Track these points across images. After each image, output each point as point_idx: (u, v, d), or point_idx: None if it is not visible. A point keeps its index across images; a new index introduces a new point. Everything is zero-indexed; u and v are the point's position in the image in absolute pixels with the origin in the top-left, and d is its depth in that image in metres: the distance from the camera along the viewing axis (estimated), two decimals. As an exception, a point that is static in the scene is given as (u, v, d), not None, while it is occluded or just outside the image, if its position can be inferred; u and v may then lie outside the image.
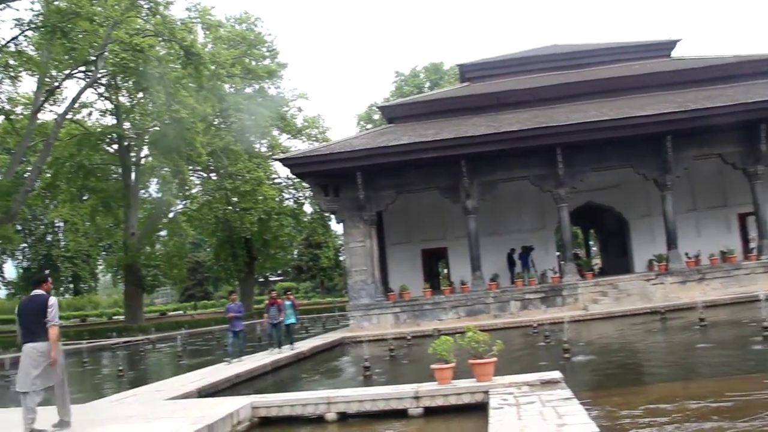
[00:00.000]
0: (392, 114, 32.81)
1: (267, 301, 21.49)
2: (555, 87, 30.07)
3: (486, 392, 9.67)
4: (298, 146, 56.23)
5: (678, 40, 36.03)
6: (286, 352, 19.79)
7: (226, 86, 53.06)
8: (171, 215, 57.15)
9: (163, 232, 59.10)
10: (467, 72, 36.17)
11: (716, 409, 8.58)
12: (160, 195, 54.51)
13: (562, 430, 6.98)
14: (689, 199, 30.72)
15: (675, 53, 35.59)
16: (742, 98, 26.52)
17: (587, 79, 30.92)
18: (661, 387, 11.34)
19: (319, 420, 10.05)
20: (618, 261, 33.72)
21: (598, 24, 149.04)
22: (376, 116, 61.25)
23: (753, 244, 29.09)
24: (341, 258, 63.11)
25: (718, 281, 26.39)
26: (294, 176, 42.28)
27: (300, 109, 61.55)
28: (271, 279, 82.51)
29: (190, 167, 50.97)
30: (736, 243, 30.35)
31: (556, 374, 10.10)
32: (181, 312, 72.28)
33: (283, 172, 55.80)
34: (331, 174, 27.65)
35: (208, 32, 52.81)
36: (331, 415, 10.06)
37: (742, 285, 25.84)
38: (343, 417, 10.05)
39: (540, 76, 32.42)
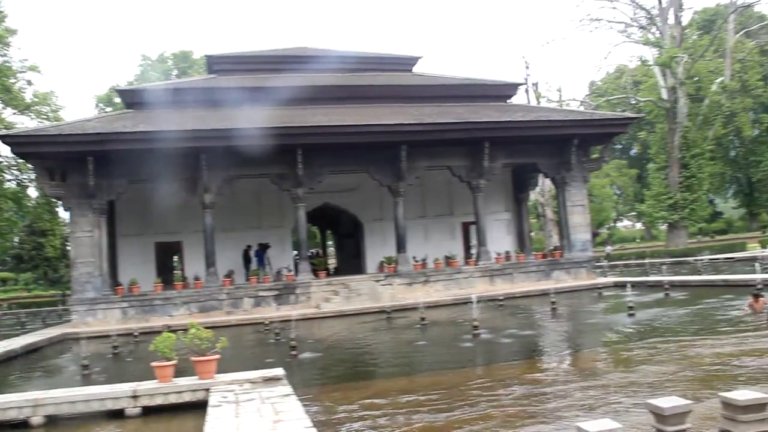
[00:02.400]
0: (133, 99, 31.01)
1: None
2: (302, 88, 30.34)
3: (207, 390, 9.39)
4: (26, 123, 51.33)
5: (419, 57, 38.22)
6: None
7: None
8: None
9: None
10: (215, 64, 35.38)
11: (424, 401, 9.08)
12: None
13: (277, 426, 6.96)
14: (420, 207, 32.65)
15: (416, 69, 37.70)
16: (470, 117, 28.81)
17: (334, 84, 31.66)
18: (381, 382, 11.81)
19: (24, 425, 9.10)
20: (352, 261, 34.88)
21: (350, 33, 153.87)
22: (118, 100, 57.84)
23: (473, 251, 31.63)
24: (69, 248, 58.67)
25: (441, 283, 28.31)
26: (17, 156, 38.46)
27: (30, 83, 56.11)
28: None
29: None
30: (459, 249, 32.87)
31: (278, 371, 10.08)
32: None
33: (5, 150, 50.62)
34: (59, 157, 25.50)
35: None
36: (37, 419, 9.13)
37: (462, 287, 27.95)
38: (53, 420, 9.20)
39: (288, 76, 32.58)
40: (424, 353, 15.15)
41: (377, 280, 27.82)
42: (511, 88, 36.18)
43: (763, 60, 71.37)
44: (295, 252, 32.60)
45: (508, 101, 34.70)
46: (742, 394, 5.95)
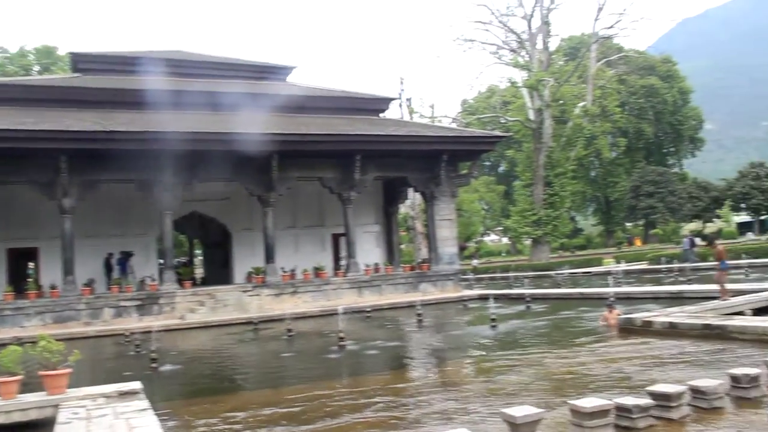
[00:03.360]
0: (-14, 95, 29.14)
1: None
2: (171, 93, 29.44)
3: (56, 406, 8.89)
4: None
5: (294, 67, 38.16)
6: None
7: None
8: None
9: None
10: (80, 62, 33.83)
11: (286, 414, 8.98)
12: None
13: (129, 442, 6.68)
14: (290, 217, 32.46)
15: (291, 79, 37.56)
16: (343, 129, 29.00)
17: (205, 90, 30.85)
18: (243, 395, 11.60)
19: None
20: (221, 271, 34.18)
21: (227, 41, 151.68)
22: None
23: (343, 262, 31.73)
24: None
25: (309, 295, 28.20)
26: None
27: None
28: None
29: None
30: (329, 260, 32.89)
31: (135, 385, 9.70)
32: None
33: None
34: None
35: None
36: None
37: (330, 299, 27.95)
38: None
39: (158, 79, 31.56)
40: (289, 365, 15.01)
41: (245, 291, 27.38)
42: (384, 103, 36.73)
43: (621, 88, 76.17)
44: (161, 261, 31.57)
45: (381, 115, 35.20)
46: (588, 402, 6.28)
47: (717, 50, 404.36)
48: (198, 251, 50.74)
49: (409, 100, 55.70)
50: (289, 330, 19.34)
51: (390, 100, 38.23)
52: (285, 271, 28.96)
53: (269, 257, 28.20)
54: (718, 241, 17.09)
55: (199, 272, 42.74)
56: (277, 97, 31.51)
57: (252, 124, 26.37)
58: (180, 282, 27.26)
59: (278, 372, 14.05)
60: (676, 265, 34.17)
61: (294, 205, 32.33)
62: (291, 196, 30.43)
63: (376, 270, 30.82)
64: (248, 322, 23.63)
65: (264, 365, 15.40)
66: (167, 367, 14.64)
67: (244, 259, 31.23)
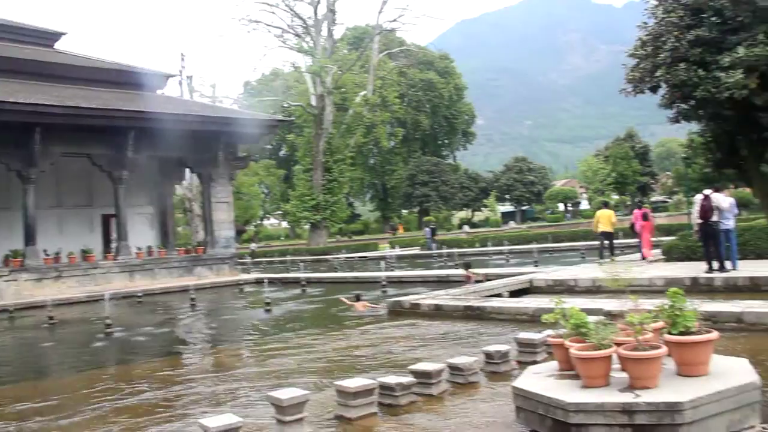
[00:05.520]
0: None
1: None
2: None
3: None
4: None
5: (64, 33, 35.45)
6: None
7: None
8: None
9: None
10: None
11: (41, 408, 8.34)
12: None
13: None
14: (54, 196, 30.16)
15: (59, 46, 34.85)
16: (116, 104, 27.39)
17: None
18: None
19: None
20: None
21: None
22: None
23: (114, 245, 30.11)
24: None
25: (76, 279, 26.45)
26: None
27: None
28: None
29: None
30: (98, 243, 31.02)
31: None
32: None
33: None
34: None
35: None
36: None
37: (99, 284, 26.42)
38: None
39: None
40: (49, 356, 14.02)
41: (0, 276, 25.09)
42: (162, 79, 35.26)
43: (401, 80, 79.21)
44: None
45: (159, 92, 33.73)
46: (353, 382, 6.45)
47: (490, 52, 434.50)
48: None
49: (189, 78, 54.05)
50: (51, 318, 18.09)
51: (169, 76, 36.80)
52: (48, 255, 26.87)
53: (29, 239, 26.01)
54: (472, 270, 18.33)
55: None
56: (41, 65, 29.12)
57: (7, 92, 24.12)
58: None
59: (37, 364, 13.06)
60: (445, 251, 36.28)
61: (59, 183, 30.06)
62: (56, 172, 28.27)
63: (149, 253, 29.61)
64: (4, 310, 21.74)
65: (20, 357, 14.20)
66: None
67: (1, 242, 28.56)
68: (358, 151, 68.12)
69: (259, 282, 26.66)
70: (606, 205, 24.26)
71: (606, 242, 21.19)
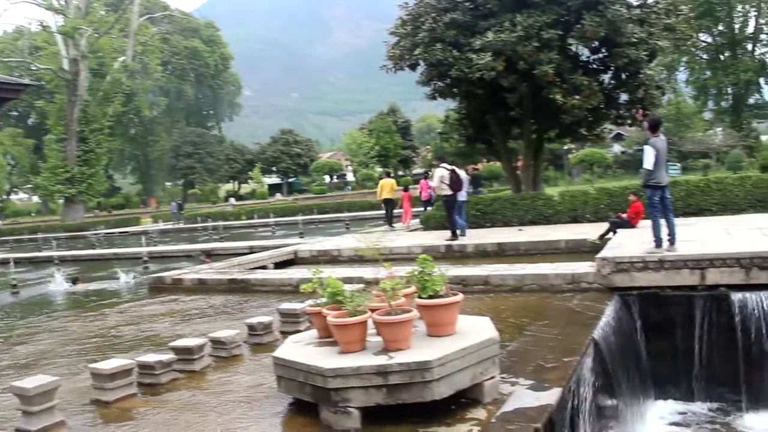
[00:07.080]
0: None
1: None
2: None
3: None
4: None
5: None
6: None
7: None
8: None
9: None
10: None
11: None
12: None
13: None
14: None
15: None
16: None
17: None
18: None
19: None
20: None
21: None
22: None
23: None
24: None
25: None
26: None
27: None
28: None
29: None
30: None
31: None
32: None
33: None
34: None
35: None
36: None
37: None
38: None
39: None
40: None
41: None
42: None
43: (164, 47, 75.92)
44: None
45: None
46: (108, 363, 6.17)
47: (258, 22, 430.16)
48: None
49: None
50: None
51: None
52: None
53: None
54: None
55: None
56: None
57: None
58: None
59: None
60: (210, 224, 35.69)
61: None
62: None
63: None
64: None
65: None
66: None
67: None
68: (117, 120, 64.40)
69: (4, 263, 24.48)
70: (388, 175, 25.39)
71: (389, 209, 22.20)
